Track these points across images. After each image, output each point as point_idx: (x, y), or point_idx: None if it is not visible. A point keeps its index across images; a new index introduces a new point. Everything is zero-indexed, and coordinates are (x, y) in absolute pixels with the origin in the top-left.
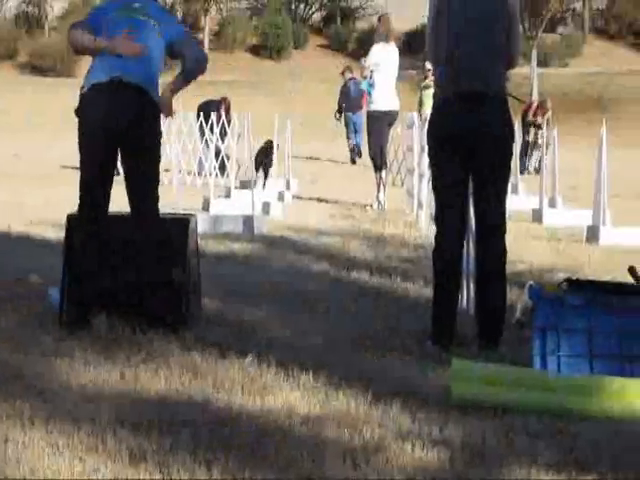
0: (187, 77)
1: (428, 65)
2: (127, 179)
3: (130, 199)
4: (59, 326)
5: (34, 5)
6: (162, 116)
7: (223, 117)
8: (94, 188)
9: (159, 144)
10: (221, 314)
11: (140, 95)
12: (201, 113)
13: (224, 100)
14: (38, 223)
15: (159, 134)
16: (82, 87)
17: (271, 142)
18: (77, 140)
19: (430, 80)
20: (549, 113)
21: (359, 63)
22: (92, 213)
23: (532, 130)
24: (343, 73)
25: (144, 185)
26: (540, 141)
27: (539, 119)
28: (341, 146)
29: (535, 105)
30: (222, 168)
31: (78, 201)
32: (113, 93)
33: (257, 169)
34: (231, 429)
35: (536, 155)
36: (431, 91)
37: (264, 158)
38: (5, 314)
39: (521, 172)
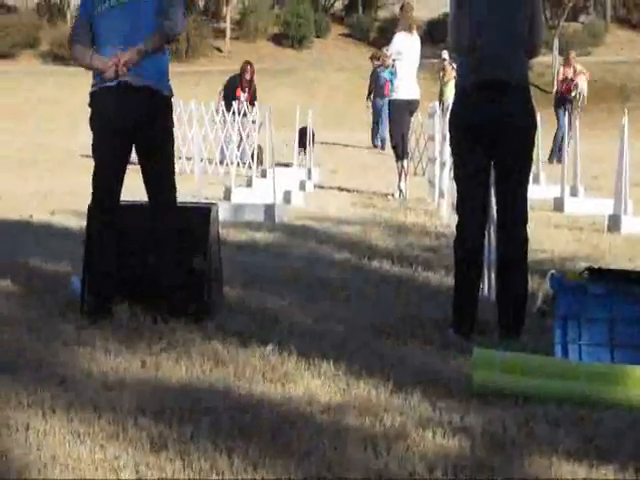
0: (161, 39)
1: (444, 55)
2: (143, 172)
3: (147, 190)
4: (80, 315)
5: None
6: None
7: (245, 102)
8: (106, 180)
9: (172, 136)
10: (243, 302)
11: (151, 95)
12: (222, 102)
13: (249, 65)
14: (61, 212)
15: (171, 127)
16: (93, 84)
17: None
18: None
19: (450, 72)
20: (578, 66)
21: (381, 52)
22: (105, 204)
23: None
24: (372, 59)
25: (161, 177)
26: (573, 93)
27: (569, 73)
28: (362, 134)
29: (562, 67)
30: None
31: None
32: (122, 95)
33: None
34: (252, 417)
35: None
36: (452, 84)
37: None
38: (27, 303)
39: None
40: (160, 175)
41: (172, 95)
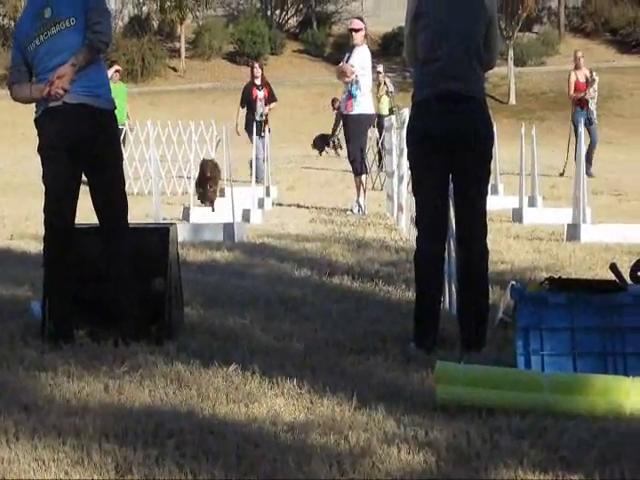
0: (90, 51)
1: (379, 68)
2: (92, 192)
3: (97, 212)
4: (42, 340)
5: (9, 18)
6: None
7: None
8: (57, 204)
9: (119, 153)
10: (204, 322)
11: (90, 112)
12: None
13: (254, 62)
14: (19, 237)
15: (117, 141)
16: (36, 111)
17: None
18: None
19: (382, 88)
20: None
21: (339, 66)
22: (58, 228)
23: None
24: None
25: (110, 197)
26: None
27: (582, 78)
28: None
29: (572, 72)
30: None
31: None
32: (62, 116)
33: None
34: (216, 438)
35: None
36: (383, 98)
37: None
38: None
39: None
40: (110, 195)
41: (114, 108)
